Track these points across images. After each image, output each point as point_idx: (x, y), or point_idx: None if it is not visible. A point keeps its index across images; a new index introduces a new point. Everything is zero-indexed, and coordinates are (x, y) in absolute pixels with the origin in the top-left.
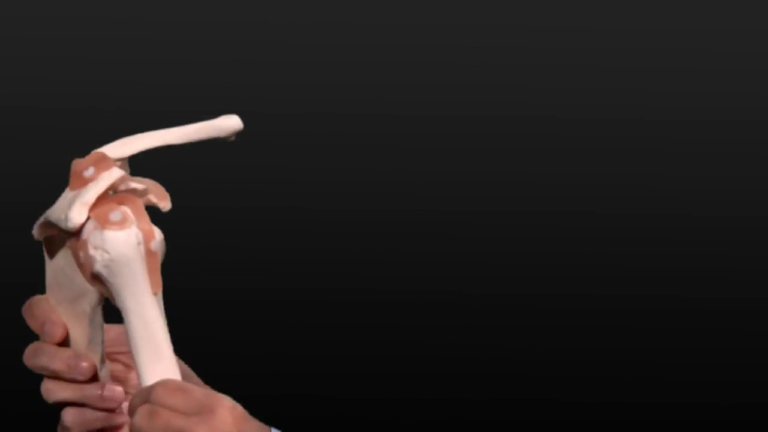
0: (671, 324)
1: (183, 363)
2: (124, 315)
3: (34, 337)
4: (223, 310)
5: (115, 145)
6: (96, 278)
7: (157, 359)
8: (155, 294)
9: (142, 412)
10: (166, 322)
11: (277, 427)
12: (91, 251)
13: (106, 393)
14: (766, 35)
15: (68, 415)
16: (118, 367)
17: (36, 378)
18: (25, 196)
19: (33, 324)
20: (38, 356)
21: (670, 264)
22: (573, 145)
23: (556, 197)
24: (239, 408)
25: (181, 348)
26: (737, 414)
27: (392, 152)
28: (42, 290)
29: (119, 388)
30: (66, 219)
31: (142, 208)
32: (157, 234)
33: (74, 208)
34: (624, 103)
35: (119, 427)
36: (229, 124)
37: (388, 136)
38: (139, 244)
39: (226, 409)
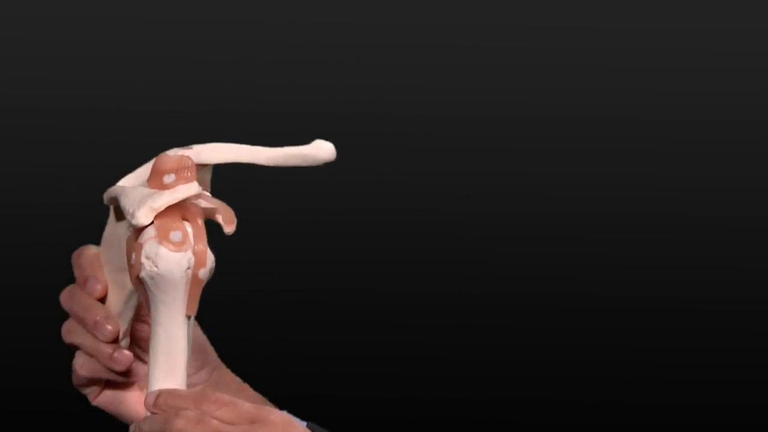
0: (671, 324)
1: (236, 377)
2: (152, 324)
3: (34, 335)
4: (222, 311)
5: (204, 150)
6: (138, 282)
7: (169, 376)
8: (188, 317)
9: (188, 417)
10: (189, 345)
11: None
12: (143, 258)
13: (116, 354)
14: (766, 35)
15: (79, 359)
16: (143, 328)
17: (36, 379)
18: (25, 196)
19: (78, 273)
20: (74, 301)
21: (670, 264)
22: (573, 145)
23: (556, 197)
24: (292, 418)
25: None
26: (737, 414)
27: (392, 152)
28: (42, 290)
29: (129, 354)
30: (132, 215)
31: (203, 230)
32: (209, 262)
33: (142, 210)
34: (624, 103)
35: (125, 385)
36: (322, 155)
37: (388, 136)
38: (188, 268)
39: (279, 418)
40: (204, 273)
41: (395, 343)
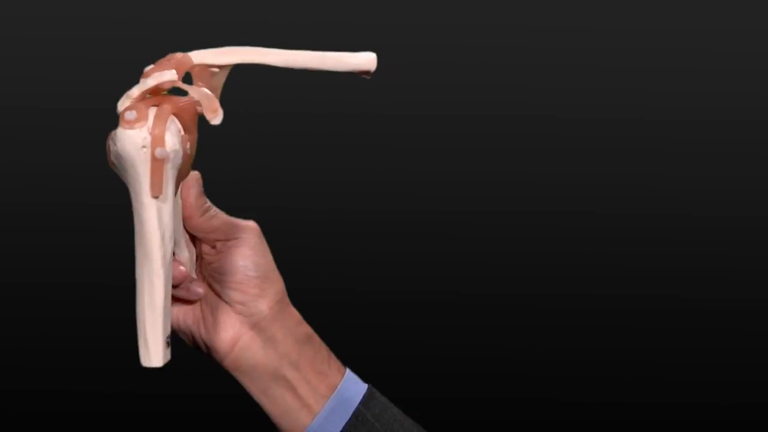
0: (671, 324)
1: (305, 324)
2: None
3: (32, 338)
4: None
5: (212, 52)
6: (114, 167)
7: (145, 259)
8: (155, 197)
9: None
10: (167, 228)
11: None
12: (109, 141)
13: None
14: (766, 35)
15: None
16: (210, 251)
17: (36, 379)
18: (25, 196)
19: None
20: None
21: (670, 264)
22: (573, 145)
23: (556, 197)
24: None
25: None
26: (737, 414)
27: (392, 152)
28: (42, 290)
29: (180, 269)
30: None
31: (167, 114)
32: (169, 144)
33: (121, 99)
34: (624, 103)
35: (185, 302)
36: (355, 61)
37: (388, 136)
38: (144, 147)
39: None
40: (161, 153)
41: (395, 343)
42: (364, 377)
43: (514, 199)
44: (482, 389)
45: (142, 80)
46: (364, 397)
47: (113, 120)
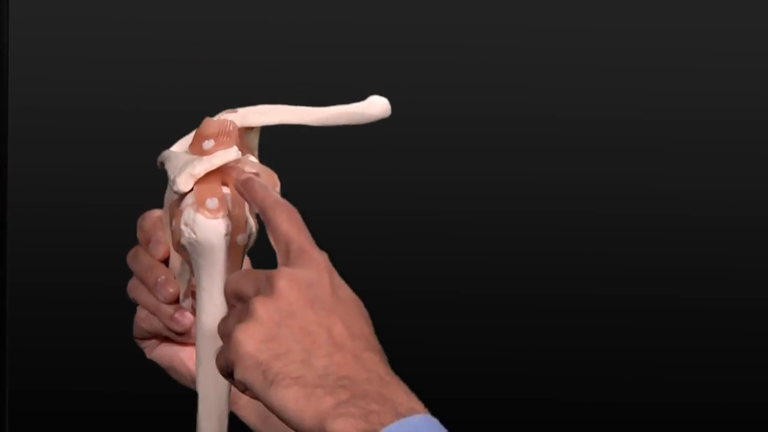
0: (671, 324)
1: None
2: (197, 288)
3: (32, 338)
4: None
5: (250, 113)
6: (180, 247)
7: (213, 339)
8: None
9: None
10: None
11: None
12: (182, 225)
13: (176, 315)
14: (766, 35)
15: (141, 313)
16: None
17: (37, 379)
18: (25, 196)
19: (140, 236)
20: (137, 261)
21: (670, 264)
22: (573, 145)
23: (556, 197)
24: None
25: None
26: (737, 414)
27: (392, 152)
28: (42, 290)
29: (190, 317)
30: (173, 183)
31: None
32: (248, 227)
33: (182, 177)
34: (624, 103)
35: (181, 342)
36: (374, 111)
37: (388, 136)
38: (226, 235)
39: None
40: (242, 239)
41: (395, 343)
42: None
43: (514, 199)
44: (482, 389)
45: (206, 158)
46: None
47: (113, 120)
